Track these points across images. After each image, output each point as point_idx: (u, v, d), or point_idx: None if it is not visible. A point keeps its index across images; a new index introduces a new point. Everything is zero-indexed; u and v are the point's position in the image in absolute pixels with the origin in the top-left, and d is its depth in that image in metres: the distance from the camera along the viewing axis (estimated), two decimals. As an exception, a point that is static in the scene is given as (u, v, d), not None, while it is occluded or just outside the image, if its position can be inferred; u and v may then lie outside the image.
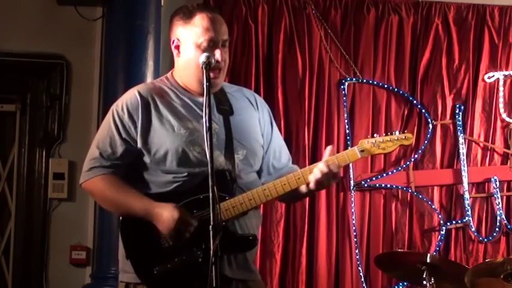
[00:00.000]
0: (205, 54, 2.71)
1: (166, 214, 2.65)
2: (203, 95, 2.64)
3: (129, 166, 2.80)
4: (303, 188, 2.77)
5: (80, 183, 2.85)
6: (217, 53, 2.74)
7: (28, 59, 5.20)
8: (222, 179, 2.64)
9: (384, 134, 2.80)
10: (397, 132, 2.79)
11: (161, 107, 2.79)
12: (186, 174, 2.72)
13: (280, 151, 2.98)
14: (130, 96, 2.81)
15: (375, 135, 2.79)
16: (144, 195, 2.73)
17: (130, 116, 2.77)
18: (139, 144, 2.76)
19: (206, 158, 2.48)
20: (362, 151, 2.75)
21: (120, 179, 2.77)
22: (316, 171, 2.69)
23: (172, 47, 2.86)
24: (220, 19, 2.81)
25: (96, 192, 2.83)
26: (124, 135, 2.77)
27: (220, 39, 2.77)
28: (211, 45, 2.75)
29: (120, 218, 2.80)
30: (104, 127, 2.82)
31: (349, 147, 3.09)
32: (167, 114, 2.77)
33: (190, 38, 2.78)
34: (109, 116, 2.82)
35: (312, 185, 2.71)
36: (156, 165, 2.75)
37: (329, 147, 2.77)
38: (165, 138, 2.74)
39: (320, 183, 2.71)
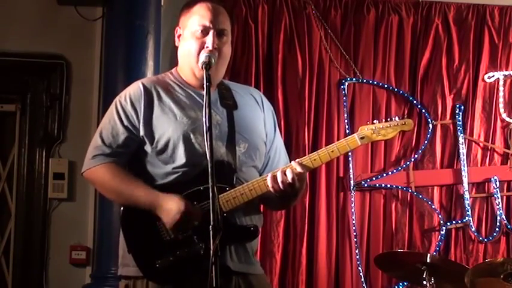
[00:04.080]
0: (205, 54, 2.72)
1: (172, 206, 2.65)
2: (201, 87, 2.68)
3: (131, 157, 2.80)
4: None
5: (82, 172, 2.84)
6: (209, 40, 2.75)
7: (28, 59, 5.20)
8: (222, 170, 2.64)
9: (384, 120, 2.77)
10: (396, 118, 2.76)
11: (164, 97, 2.80)
12: (185, 163, 2.72)
13: (279, 156, 2.97)
14: (134, 88, 2.84)
15: (375, 121, 2.75)
16: (148, 185, 2.73)
17: (133, 105, 2.78)
18: (141, 133, 2.76)
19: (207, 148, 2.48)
20: (362, 138, 2.72)
21: (122, 168, 2.77)
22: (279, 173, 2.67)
23: (176, 36, 2.88)
24: (220, 9, 2.82)
25: (97, 181, 2.82)
26: (126, 123, 2.78)
27: (216, 27, 2.77)
28: (204, 32, 2.76)
29: (121, 210, 2.79)
30: (107, 117, 2.84)
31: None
32: (170, 103, 2.78)
33: (188, 26, 2.81)
34: (112, 106, 2.84)
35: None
36: (157, 154, 2.76)
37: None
38: (167, 126, 2.74)
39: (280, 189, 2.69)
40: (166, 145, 2.74)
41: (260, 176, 2.87)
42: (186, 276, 2.68)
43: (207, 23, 2.76)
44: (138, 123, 2.77)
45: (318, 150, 2.75)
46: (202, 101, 2.73)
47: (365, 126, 2.75)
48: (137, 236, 2.75)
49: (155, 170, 2.77)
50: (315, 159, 2.72)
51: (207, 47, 2.74)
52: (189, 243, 2.67)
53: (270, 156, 2.94)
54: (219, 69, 2.81)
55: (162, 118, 2.76)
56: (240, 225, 2.74)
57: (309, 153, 5.41)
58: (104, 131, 2.81)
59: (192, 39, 2.77)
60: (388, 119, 2.76)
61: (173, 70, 2.93)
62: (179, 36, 2.86)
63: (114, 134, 2.78)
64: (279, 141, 3.00)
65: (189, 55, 2.77)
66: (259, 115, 2.92)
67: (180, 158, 2.72)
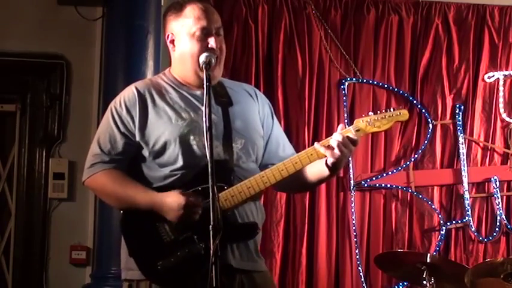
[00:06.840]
0: (204, 54, 2.73)
1: (172, 202, 2.65)
2: (200, 87, 2.69)
3: (130, 162, 2.81)
4: (314, 170, 2.77)
5: (83, 181, 2.86)
6: (212, 41, 2.76)
7: (28, 59, 5.20)
8: (220, 169, 2.61)
9: (379, 112, 2.75)
10: (392, 109, 2.75)
11: (158, 100, 2.81)
12: (183, 165, 2.73)
13: (283, 143, 2.98)
14: (128, 92, 2.84)
15: (370, 113, 2.74)
16: (147, 188, 2.74)
17: (128, 111, 2.79)
18: (137, 138, 2.78)
19: (204, 149, 2.51)
20: (357, 131, 2.70)
21: (121, 173, 2.78)
22: (333, 140, 2.65)
23: (168, 42, 2.89)
24: (211, 8, 2.84)
25: (98, 188, 2.84)
26: (123, 129, 2.79)
27: (213, 27, 2.79)
28: (205, 34, 2.77)
29: (121, 214, 2.79)
30: (104, 124, 2.85)
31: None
32: (164, 107, 2.79)
33: (183, 30, 2.80)
34: (108, 112, 2.85)
35: (330, 158, 2.67)
36: (154, 158, 2.77)
37: (340, 125, 2.73)
38: (163, 130, 2.76)
39: (339, 154, 2.65)
40: (163, 148, 2.75)
41: (260, 169, 2.87)
42: (188, 277, 2.68)
43: (205, 25, 2.77)
44: (135, 129, 2.78)
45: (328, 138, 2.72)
46: (197, 101, 2.78)
47: (360, 118, 2.74)
48: (137, 239, 2.75)
49: (152, 173, 2.78)
50: (311, 154, 2.71)
51: (211, 48, 2.75)
52: (189, 243, 2.67)
53: (269, 147, 2.94)
54: (221, 67, 2.83)
55: (158, 122, 2.77)
56: (239, 224, 2.74)
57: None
58: (102, 138, 2.82)
59: (192, 41, 2.78)
60: (383, 111, 2.75)
61: (166, 71, 2.94)
62: (172, 41, 2.86)
63: (112, 141, 2.79)
64: (279, 132, 3.00)
65: (192, 57, 2.77)
66: (253, 108, 2.92)
67: (178, 161, 2.73)
